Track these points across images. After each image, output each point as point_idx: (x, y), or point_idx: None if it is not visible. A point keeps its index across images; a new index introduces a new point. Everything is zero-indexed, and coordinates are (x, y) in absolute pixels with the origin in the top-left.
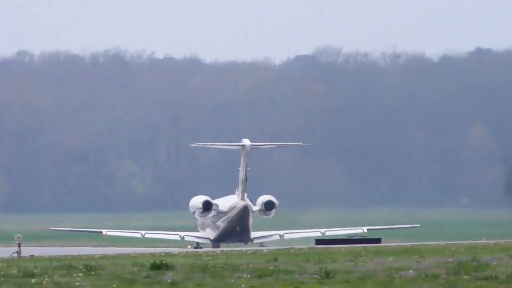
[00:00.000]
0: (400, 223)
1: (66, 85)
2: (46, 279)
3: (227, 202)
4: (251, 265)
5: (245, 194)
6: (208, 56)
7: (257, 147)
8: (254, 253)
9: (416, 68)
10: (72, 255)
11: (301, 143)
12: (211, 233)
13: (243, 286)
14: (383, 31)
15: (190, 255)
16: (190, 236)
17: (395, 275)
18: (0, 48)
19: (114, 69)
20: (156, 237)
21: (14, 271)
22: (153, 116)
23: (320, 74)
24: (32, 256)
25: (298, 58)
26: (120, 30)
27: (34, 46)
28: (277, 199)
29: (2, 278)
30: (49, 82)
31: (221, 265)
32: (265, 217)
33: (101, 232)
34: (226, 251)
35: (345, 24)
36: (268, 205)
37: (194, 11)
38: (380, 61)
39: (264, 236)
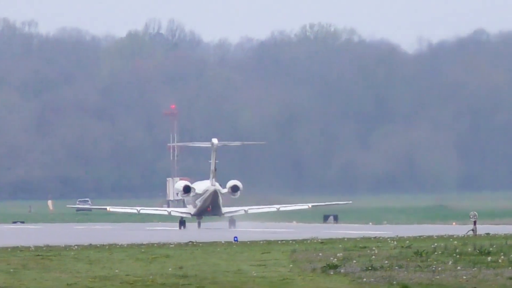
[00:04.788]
0: None
1: None
2: (502, 257)
3: (203, 186)
4: None
5: (214, 180)
6: None
7: (225, 145)
8: None
9: None
10: None
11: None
12: (192, 209)
13: None
14: None
15: None
16: (175, 211)
17: None
18: (456, 28)
19: None
20: (149, 213)
21: (469, 249)
22: None
23: None
24: (488, 234)
25: None
26: None
27: (491, 25)
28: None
29: (457, 256)
30: (505, 60)
31: None
32: (233, 197)
33: (105, 208)
34: None
35: None
36: (234, 188)
37: None
38: None
39: (233, 211)
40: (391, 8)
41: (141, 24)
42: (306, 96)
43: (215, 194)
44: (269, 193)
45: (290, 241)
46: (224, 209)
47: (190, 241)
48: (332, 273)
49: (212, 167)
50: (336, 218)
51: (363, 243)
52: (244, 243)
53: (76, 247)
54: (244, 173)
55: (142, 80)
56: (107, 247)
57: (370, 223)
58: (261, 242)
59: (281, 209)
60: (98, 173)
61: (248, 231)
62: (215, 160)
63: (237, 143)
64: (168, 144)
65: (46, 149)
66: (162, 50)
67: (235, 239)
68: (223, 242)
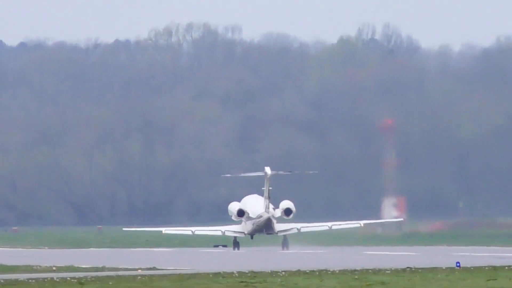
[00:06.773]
0: None
1: None
2: None
3: (256, 209)
4: None
5: (267, 206)
6: None
7: (277, 174)
8: None
9: None
10: None
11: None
12: (246, 229)
13: None
14: None
15: None
16: (229, 231)
17: None
18: None
19: None
20: (203, 234)
21: None
22: None
23: None
24: None
25: None
26: None
27: None
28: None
29: None
30: None
31: None
32: (286, 218)
33: (161, 231)
34: None
35: None
36: (287, 211)
37: None
38: None
39: (286, 229)
40: None
41: (354, 29)
42: None
43: (268, 220)
44: (490, 210)
45: None
46: (278, 226)
47: (408, 267)
48: None
49: (266, 194)
50: None
51: None
52: (467, 269)
53: (283, 273)
54: (465, 190)
55: (354, 90)
56: (317, 273)
57: None
58: (486, 267)
59: (333, 227)
60: (306, 191)
61: (472, 256)
62: (269, 187)
63: (288, 172)
64: (222, 175)
65: (249, 165)
66: (377, 57)
67: (457, 264)
68: (444, 267)
